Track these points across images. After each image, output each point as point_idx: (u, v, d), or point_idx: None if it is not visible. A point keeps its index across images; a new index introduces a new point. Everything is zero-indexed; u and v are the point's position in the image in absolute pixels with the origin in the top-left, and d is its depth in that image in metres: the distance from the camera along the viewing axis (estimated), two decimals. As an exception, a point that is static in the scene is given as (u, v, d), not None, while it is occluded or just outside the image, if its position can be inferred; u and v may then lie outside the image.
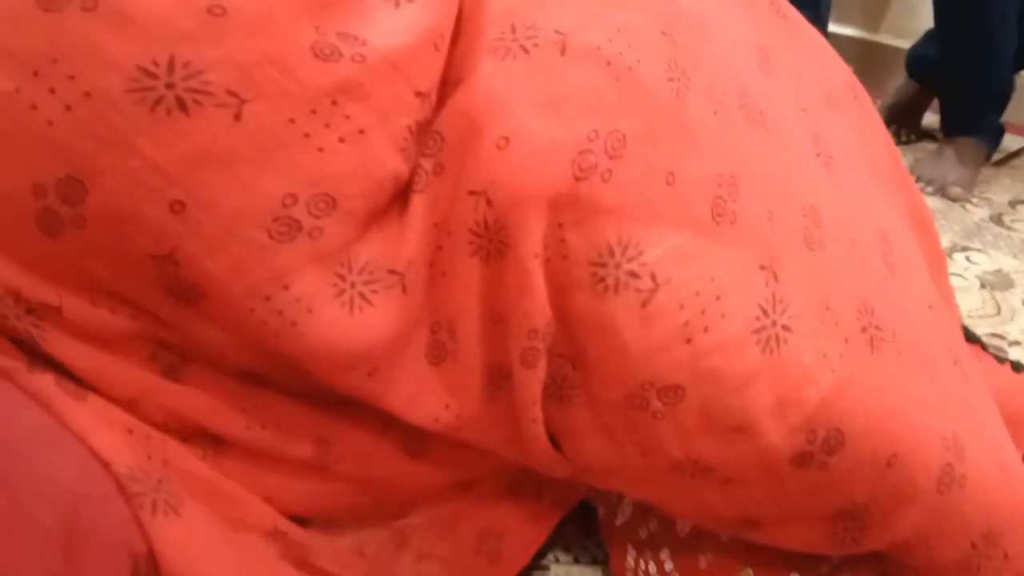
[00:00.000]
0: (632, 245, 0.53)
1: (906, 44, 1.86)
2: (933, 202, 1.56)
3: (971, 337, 0.93)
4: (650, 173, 0.54)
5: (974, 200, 1.58)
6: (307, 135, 0.49)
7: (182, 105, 0.46)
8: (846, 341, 0.58)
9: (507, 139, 0.51)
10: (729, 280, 0.55)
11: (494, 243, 0.53)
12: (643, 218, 0.53)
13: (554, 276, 0.53)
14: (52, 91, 0.46)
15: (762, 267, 0.56)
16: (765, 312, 0.55)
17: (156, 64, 0.46)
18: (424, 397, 0.56)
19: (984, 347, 0.94)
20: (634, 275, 0.53)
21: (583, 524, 0.73)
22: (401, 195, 0.54)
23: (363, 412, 0.57)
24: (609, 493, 0.70)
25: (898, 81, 1.84)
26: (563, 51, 0.54)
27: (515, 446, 0.60)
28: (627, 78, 0.54)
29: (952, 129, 1.65)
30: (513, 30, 0.54)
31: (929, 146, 1.77)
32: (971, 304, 1.22)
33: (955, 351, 0.69)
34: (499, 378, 0.57)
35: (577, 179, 0.52)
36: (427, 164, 0.54)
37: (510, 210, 0.51)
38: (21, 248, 0.49)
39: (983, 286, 1.27)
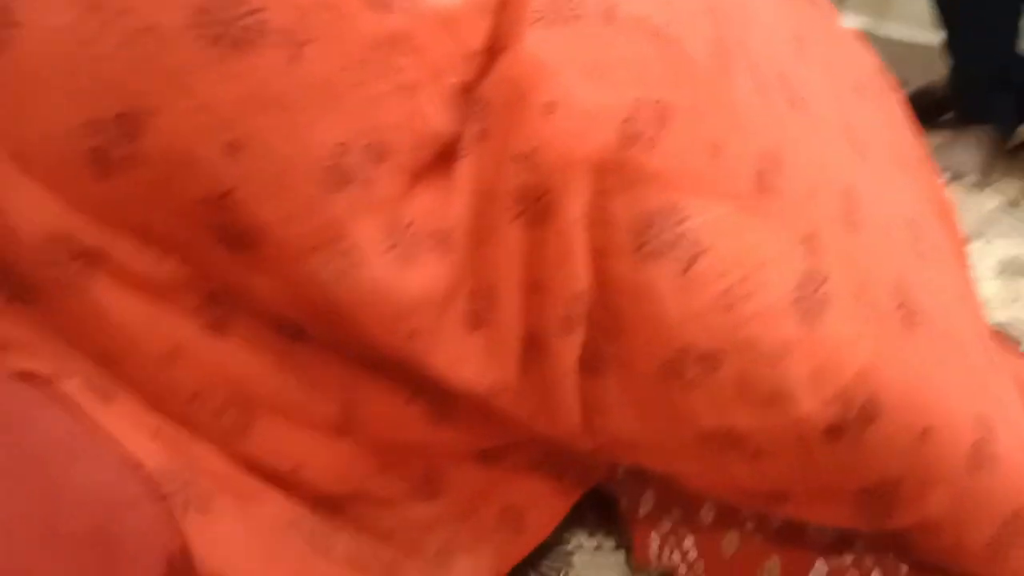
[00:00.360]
0: (675, 213, 0.53)
1: (911, 34, 1.86)
2: (947, 190, 1.56)
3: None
4: (695, 144, 0.54)
5: (989, 187, 1.58)
6: (360, 83, 0.49)
7: (237, 43, 0.46)
8: (882, 318, 0.58)
9: (553, 104, 0.52)
10: (771, 251, 0.55)
11: (537, 208, 0.53)
12: (687, 187, 0.54)
13: (595, 241, 0.53)
14: (110, 24, 0.46)
15: (803, 241, 0.57)
16: (804, 284, 0.56)
17: (215, 1, 0.46)
18: (461, 365, 0.56)
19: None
20: (676, 242, 0.53)
21: (606, 511, 0.73)
22: (447, 157, 0.54)
23: (393, 380, 0.58)
24: (631, 484, 0.70)
25: (903, 72, 1.84)
26: (610, 20, 0.54)
27: (544, 416, 0.60)
28: (673, 50, 0.55)
29: (964, 115, 1.65)
30: None
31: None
32: (987, 292, 1.23)
33: (983, 337, 0.70)
34: (533, 348, 0.57)
35: (622, 146, 0.52)
36: (473, 129, 0.54)
37: (554, 174, 0.52)
38: (73, 189, 0.49)
39: (999, 273, 1.27)
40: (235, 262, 0.51)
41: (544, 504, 0.68)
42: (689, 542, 0.67)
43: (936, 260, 0.70)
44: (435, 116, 0.52)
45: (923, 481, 0.58)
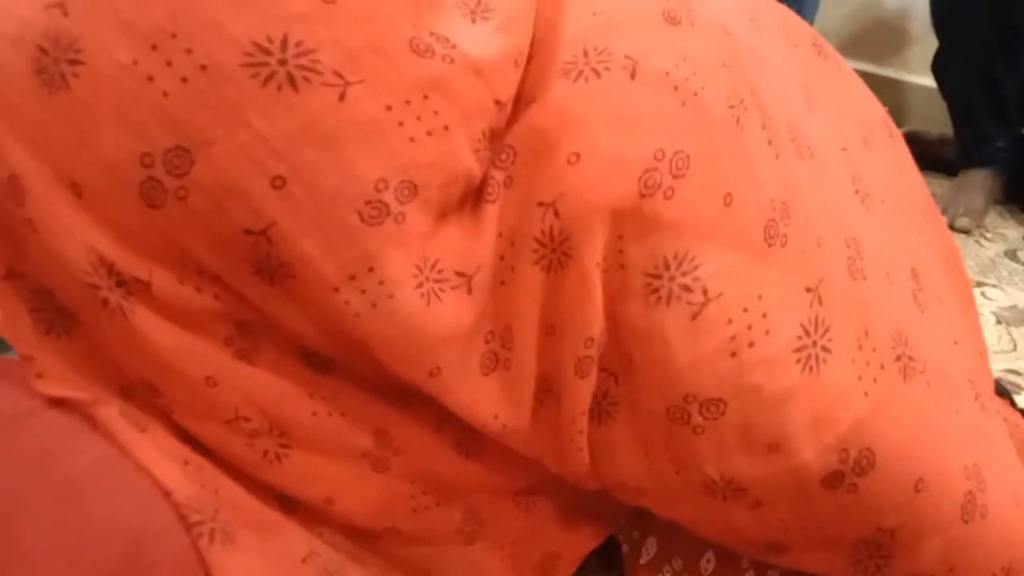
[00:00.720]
0: (688, 260, 0.55)
1: (912, 79, 1.90)
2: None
3: (1001, 391, 0.94)
4: (710, 193, 0.56)
5: (988, 235, 1.59)
6: (401, 123, 0.51)
7: (292, 81, 0.48)
8: (881, 367, 0.60)
9: (578, 155, 0.54)
10: (776, 299, 0.57)
11: (558, 253, 0.55)
12: (700, 235, 0.55)
13: (610, 285, 0.55)
14: (169, 64, 0.48)
15: (808, 289, 0.58)
16: (807, 332, 0.57)
17: (271, 41, 0.48)
18: (477, 405, 0.58)
19: (1013, 403, 0.96)
20: (687, 288, 0.55)
21: (607, 557, 0.74)
22: (475, 200, 0.56)
23: (421, 408, 0.59)
24: (633, 531, 0.71)
25: (903, 116, 1.88)
26: (633, 75, 0.56)
27: (553, 457, 0.61)
28: (692, 103, 0.57)
29: (963, 160, 1.68)
30: (585, 54, 0.57)
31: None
32: (987, 340, 1.24)
33: (977, 386, 0.71)
34: (546, 391, 0.59)
35: (642, 195, 0.54)
36: (499, 176, 0.56)
37: (577, 220, 0.54)
38: (121, 218, 0.50)
39: (998, 322, 1.28)
40: (270, 295, 0.53)
41: (576, 549, 0.70)
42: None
43: (936, 308, 0.72)
44: (466, 157, 0.54)
45: (917, 531, 0.59)
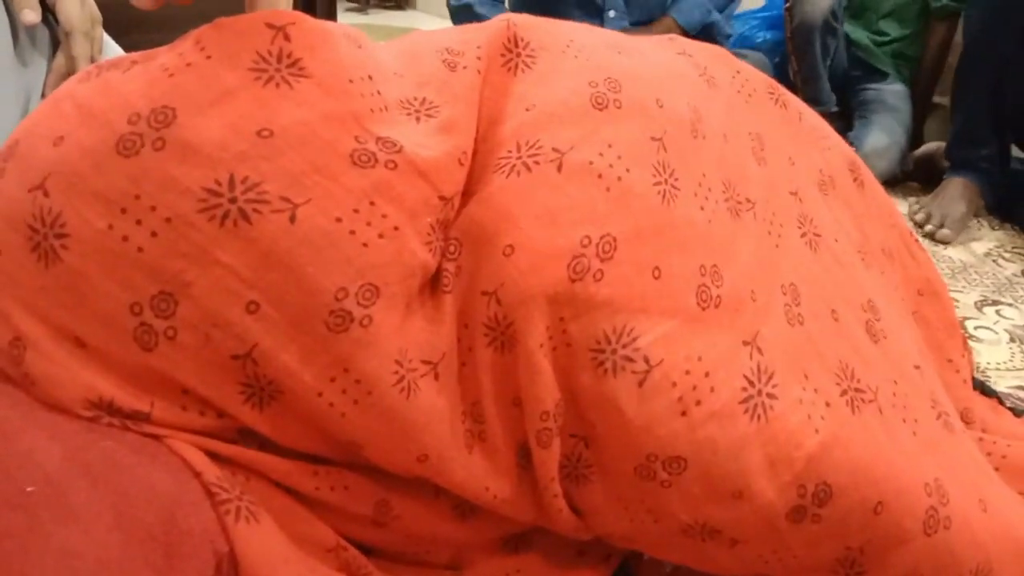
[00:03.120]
0: (626, 332, 0.59)
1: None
2: (965, 256, 1.58)
3: (988, 391, 0.97)
4: (639, 270, 0.61)
5: (1007, 255, 1.60)
6: (352, 232, 0.56)
7: (245, 215, 0.54)
8: (827, 404, 0.64)
9: (512, 247, 0.59)
10: (715, 357, 0.61)
11: (505, 336, 0.60)
12: (634, 309, 0.60)
13: (560, 361, 0.60)
14: (139, 222, 0.54)
15: (745, 343, 0.63)
16: (751, 383, 0.61)
17: (219, 183, 0.54)
18: (469, 482, 0.62)
19: (1001, 401, 0.98)
20: (629, 359, 0.59)
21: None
22: (431, 290, 0.61)
23: (418, 479, 0.63)
24: (649, 560, 0.75)
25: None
26: (560, 167, 0.61)
27: (542, 518, 0.66)
28: (616, 187, 0.62)
29: (950, 157, 1.71)
30: (518, 148, 0.62)
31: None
32: (999, 357, 1.24)
33: (939, 406, 0.75)
34: (524, 457, 0.63)
35: (572, 280, 0.59)
36: (451, 267, 0.61)
37: (517, 308, 0.59)
38: (119, 363, 0.56)
39: (1012, 340, 1.29)
40: (261, 421, 0.58)
41: None
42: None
43: (894, 337, 0.76)
44: (419, 250, 0.59)
45: (883, 548, 0.63)
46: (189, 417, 0.57)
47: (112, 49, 1.03)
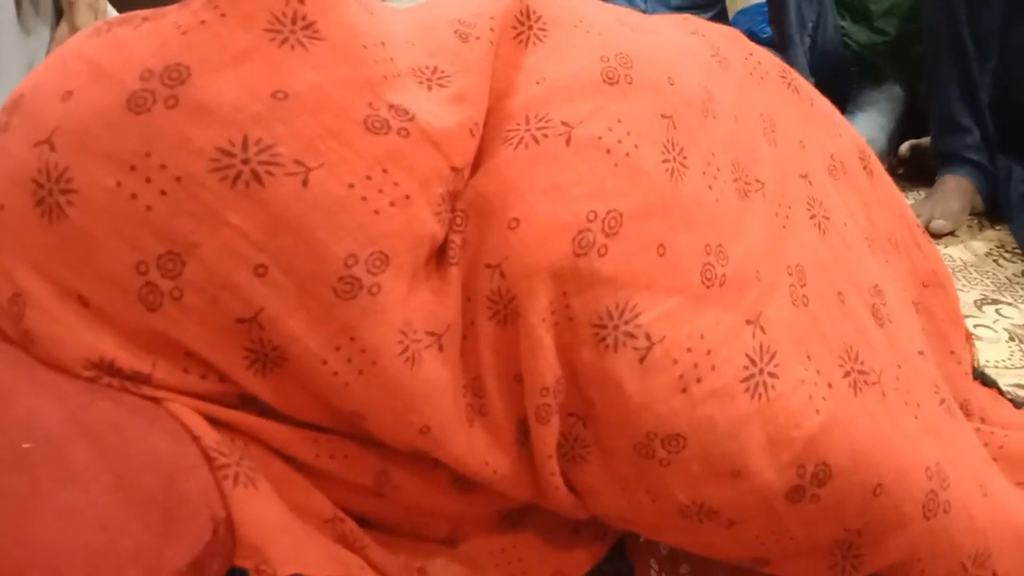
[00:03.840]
0: (628, 309, 0.59)
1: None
2: (966, 255, 1.58)
3: (988, 382, 0.97)
4: (643, 246, 0.60)
5: (1007, 255, 1.60)
6: (364, 198, 0.56)
7: (257, 177, 0.53)
8: (829, 386, 0.63)
9: (518, 220, 0.59)
10: (718, 336, 0.61)
11: (508, 310, 0.59)
12: (638, 286, 0.60)
13: (562, 336, 0.59)
14: (148, 180, 0.53)
15: (748, 322, 0.62)
16: (753, 362, 0.61)
17: (232, 144, 0.53)
18: (469, 457, 0.62)
19: (1001, 391, 0.98)
20: (631, 335, 0.59)
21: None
22: (437, 262, 0.61)
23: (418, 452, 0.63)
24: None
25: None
26: (568, 141, 0.61)
27: (539, 496, 0.66)
28: (624, 163, 0.62)
29: (937, 155, 1.71)
30: (527, 121, 0.62)
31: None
32: (998, 355, 1.24)
33: (941, 392, 0.74)
34: (524, 433, 0.63)
35: (577, 255, 0.58)
36: (457, 239, 0.61)
37: (520, 281, 0.58)
38: (122, 323, 0.55)
39: (1011, 339, 1.29)
40: (263, 387, 0.58)
41: (574, 565, 0.72)
42: (685, 568, 0.71)
43: (899, 322, 0.75)
44: (428, 220, 0.59)
45: (882, 530, 0.63)
46: (190, 380, 0.57)
47: (116, 20, 1.03)
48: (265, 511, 0.56)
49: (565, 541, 0.72)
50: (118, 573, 0.46)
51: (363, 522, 0.65)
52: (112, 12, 1.02)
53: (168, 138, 0.53)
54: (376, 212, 0.56)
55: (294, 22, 0.58)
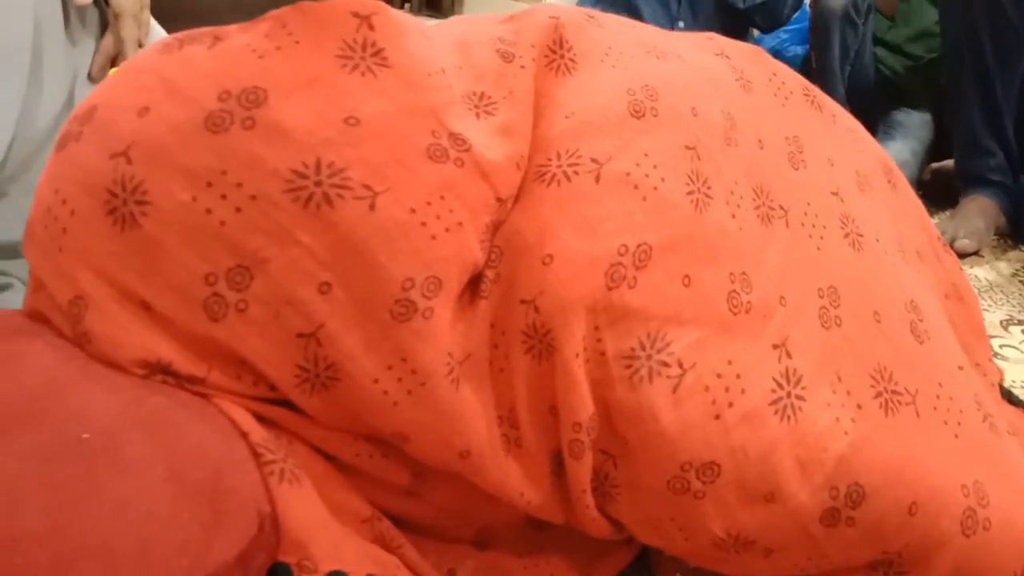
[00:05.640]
0: (660, 339, 0.60)
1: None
2: (991, 276, 1.58)
3: (1016, 401, 0.97)
4: (670, 278, 0.62)
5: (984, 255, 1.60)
6: (424, 223, 0.57)
7: (328, 199, 0.55)
8: (859, 407, 0.64)
9: (552, 256, 0.60)
10: (746, 361, 0.62)
11: (543, 344, 0.60)
12: (667, 316, 0.61)
13: (594, 373, 0.60)
14: (224, 197, 0.55)
15: (775, 346, 0.63)
16: (780, 385, 0.62)
17: (306, 166, 0.55)
18: (504, 485, 0.63)
19: (1025, 409, 0.98)
20: (664, 363, 0.60)
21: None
22: (470, 294, 0.62)
23: None
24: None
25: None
26: (598, 179, 0.63)
27: (577, 524, 0.66)
28: (652, 197, 0.63)
29: (962, 176, 1.71)
30: (558, 156, 0.64)
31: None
32: (1020, 376, 1.25)
33: (984, 408, 0.74)
34: (559, 464, 0.64)
35: (609, 288, 0.60)
36: (490, 274, 0.62)
37: (555, 316, 0.59)
38: (183, 330, 0.56)
39: (1035, 359, 1.30)
40: (309, 404, 0.58)
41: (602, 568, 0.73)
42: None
43: (937, 338, 0.76)
44: (476, 248, 0.60)
45: (922, 549, 0.63)
46: (243, 386, 0.58)
47: (158, 33, 1.05)
48: (309, 508, 0.57)
49: (592, 547, 0.72)
50: (168, 564, 0.47)
51: (395, 522, 0.66)
52: (155, 24, 1.04)
53: (244, 158, 0.55)
54: (433, 237, 0.57)
55: (364, 48, 0.60)
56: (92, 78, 0.97)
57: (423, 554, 0.66)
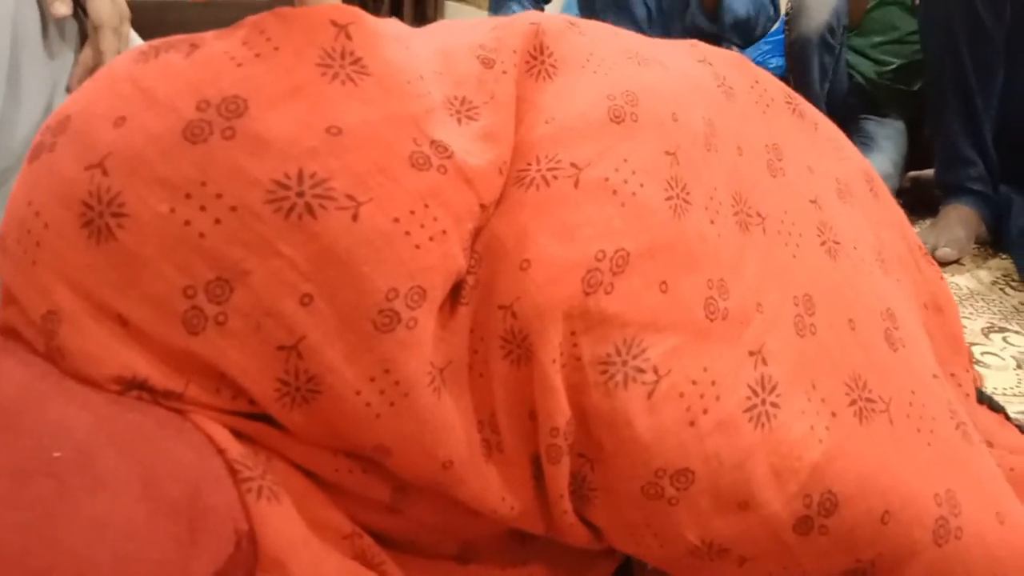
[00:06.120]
0: (635, 344, 0.60)
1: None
2: (972, 284, 1.59)
3: (996, 407, 0.98)
4: (647, 284, 0.62)
5: (1013, 283, 1.61)
6: (407, 232, 0.57)
7: (311, 210, 0.54)
8: (833, 415, 0.64)
9: (529, 261, 0.60)
10: (721, 368, 0.62)
11: (521, 349, 0.60)
12: (643, 323, 0.60)
13: (571, 378, 0.60)
14: (203, 208, 0.54)
15: (751, 353, 0.63)
16: (755, 392, 0.62)
17: (288, 177, 0.55)
18: (485, 494, 0.62)
19: (1007, 416, 0.99)
20: (640, 369, 0.59)
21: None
22: (452, 301, 0.62)
23: None
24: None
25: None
26: (576, 184, 0.62)
27: (556, 532, 0.66)
28: (631, 202, 0.63)
29: (941, 186, 1.73)
30: (538, 161, 0.63)
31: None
32: (1006, 383, 1.25)
33: (958, 416, 0.75)
34: (539, 469, 0.63)
35: (586, 294, 0.59)
36: (470, 280, 0.62)
37: (532, 321, 0.59)
38: (160, 344, 0.56)
39: (1019, 366, 1.29)
40: (289, 419, 0.58)
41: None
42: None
43: (912, 347, 0.76)
44: (459, 255, 0.60)
45: (895, 559, 0.63)
46: (221, 401, 0.58)
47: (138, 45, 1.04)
48: (287, 525, 0.56)
49: (573, 560, 0.72)
50: (143, 582, 0.47)
51: (376, 539, 0.65)
52: (136, 37, 1.04)
53: (224, 168, 0.54)
54: (417, 247, 0.57)
55: (343, 57, 0.59)
56: (71, 91, 0.96)
57: (405, 571, 0.66)
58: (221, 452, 0.55)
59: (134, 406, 0.55)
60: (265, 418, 0.59)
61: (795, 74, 1.96)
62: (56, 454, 0.48)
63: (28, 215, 0.57)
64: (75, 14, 0.99)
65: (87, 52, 0.99)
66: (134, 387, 0.56)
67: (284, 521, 0.56)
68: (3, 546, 0.45)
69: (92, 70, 0.99)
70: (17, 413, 0.51)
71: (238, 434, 0.58)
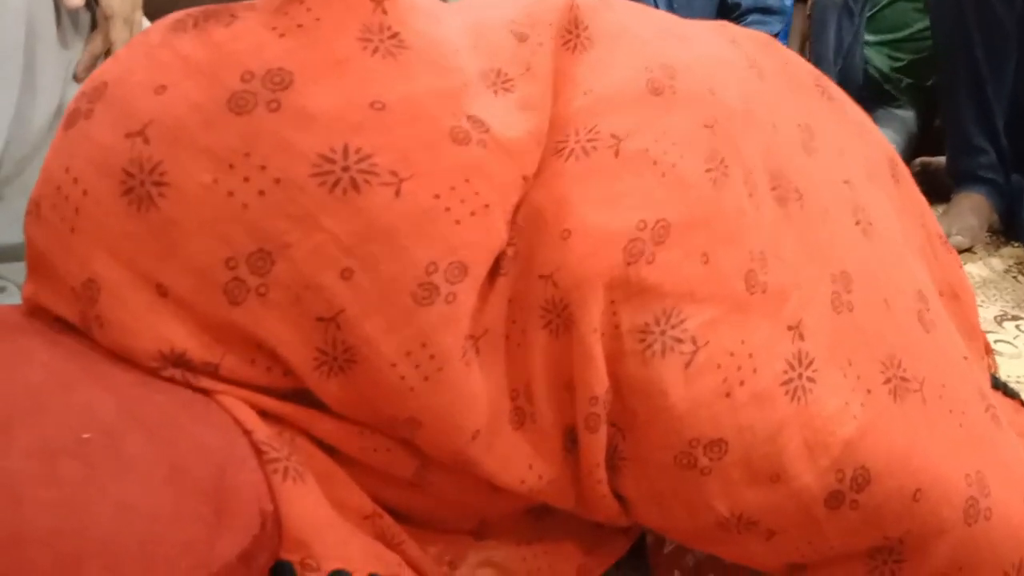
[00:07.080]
0: (675, 315, 0.60)
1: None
2: (985, 272, 1.59)
3: (1010, 392, 0.98)
4: (687, 255, 0.61)
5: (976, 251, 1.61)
6: (448, 208, 0.57)
7: (355, 185, 0.55)
8: (868, 392, 0.64)
9: (569, 231, 0.59)
10: (759, 341, 0.62)
11: (561, 319, 0.60)
12: (682, 293, 0.60)
13: (609, 347, 0.60)
14: (246, 180, 0.54)
15: (789, 328, 0.63)
16: (792, 366, 0.62)
17: (334, 151, 0.55)
18: (514, 460, 0.62)
19: (1023, 403, 0.98)
20: (678, 339, 0.60)
21: (633, 546, 0.77)
22: (489, 273, 0.61)
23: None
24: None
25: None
26: (617, 154, 0.62)
27: (584, 504, 0.66)
28: (671, 174, 0.63)
29: (953, 173, 1.72)
30: (577, 133, 0.63)
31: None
32: (1019, 370, 1.24)
33: (987, 399, 0.74)
34: (571, 441, 0.63)
35: (627, 263, 0.59)
36: (509, 251, 0.61)
37: (572, 291, 0.59)
38: (200, 314, 0.56)
39: (1032, 356, 1.30)
40: (325, 388, 0.58)
41: (597, 559, 0.73)
42: (711, 580, 0.72)
43: (942, 328, 0.76)
44: (503, 230, 0.60)
45: (922, 537, 0.63)
46: (256, 371, 0.58)
47: (151, 35, 1.04)
48: (312, 506, 0.56)
49: (589, 536, 0.73)
50: (170, 564, 0.47)
51: (394, 515, 0.65)
52: (147, 24, 1.04)
53: (269, 140, 0.54)
54: (457, 222, 0.57)
55: (381, 31, 0.59)
56: (77, 79, 0.96)
57: (423, 547, 0.66)
58: (247, 433, 0.55)
59: (160, 387, 0.55)
60: (293, 396, 0.59)
61: (812, 36, 1.95)
62: (85, 435, 0.48)
63: (66, 181, 0.57)
64: (88, 4, 0.99)
65: (96, 40, 0.98)
66: (170, 360, 0.56)
67: (309, 502, 0.56)
68: (33, 528, 0.45)
69: (100, 58, 0.99)
70: (44, 394, 0.51)
71: (264, 415, 0.58)
